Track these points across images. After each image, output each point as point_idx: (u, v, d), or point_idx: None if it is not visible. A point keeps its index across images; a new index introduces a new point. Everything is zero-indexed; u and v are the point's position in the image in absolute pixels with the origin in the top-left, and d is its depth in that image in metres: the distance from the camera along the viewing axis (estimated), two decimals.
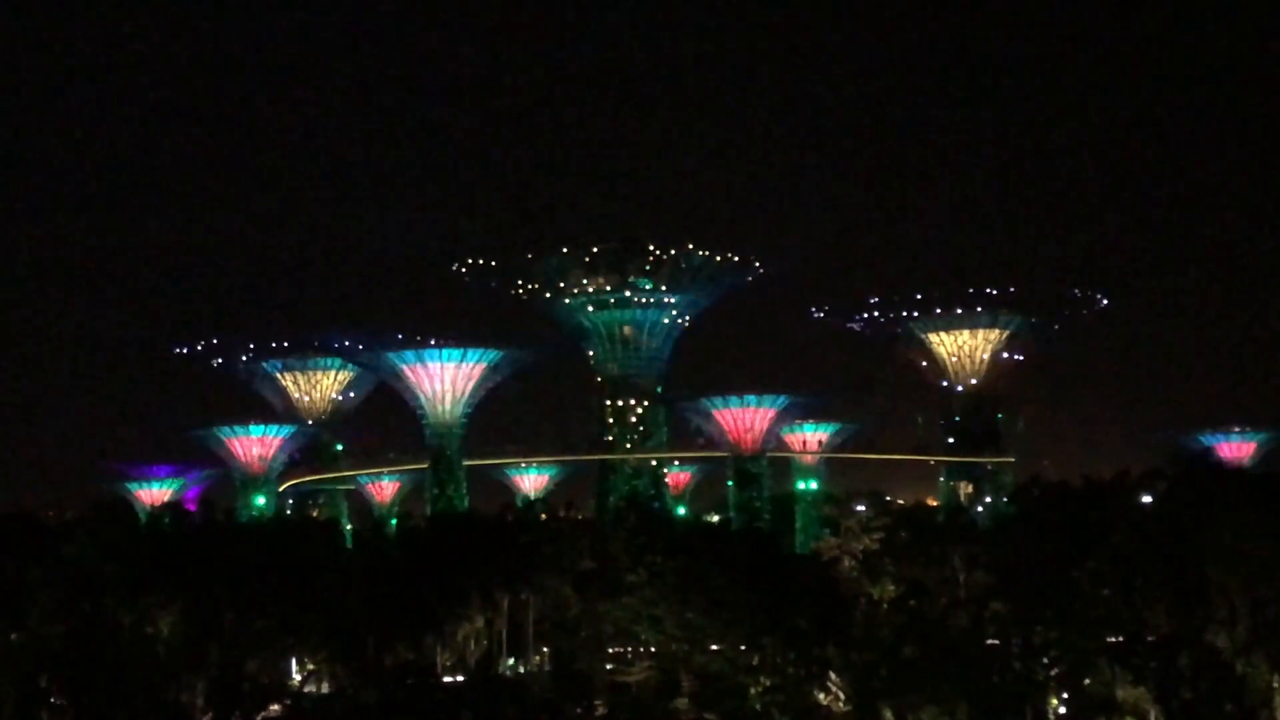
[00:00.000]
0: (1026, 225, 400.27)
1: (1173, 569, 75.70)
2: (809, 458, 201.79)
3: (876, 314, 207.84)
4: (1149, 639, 76.56)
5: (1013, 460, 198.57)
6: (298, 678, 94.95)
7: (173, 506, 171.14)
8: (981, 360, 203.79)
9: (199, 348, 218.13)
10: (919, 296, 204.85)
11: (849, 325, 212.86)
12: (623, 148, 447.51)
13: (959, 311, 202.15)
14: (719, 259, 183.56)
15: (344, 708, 76.75)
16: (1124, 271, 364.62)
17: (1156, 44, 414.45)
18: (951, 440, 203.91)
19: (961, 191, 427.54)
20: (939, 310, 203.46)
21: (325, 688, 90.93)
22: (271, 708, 77.67)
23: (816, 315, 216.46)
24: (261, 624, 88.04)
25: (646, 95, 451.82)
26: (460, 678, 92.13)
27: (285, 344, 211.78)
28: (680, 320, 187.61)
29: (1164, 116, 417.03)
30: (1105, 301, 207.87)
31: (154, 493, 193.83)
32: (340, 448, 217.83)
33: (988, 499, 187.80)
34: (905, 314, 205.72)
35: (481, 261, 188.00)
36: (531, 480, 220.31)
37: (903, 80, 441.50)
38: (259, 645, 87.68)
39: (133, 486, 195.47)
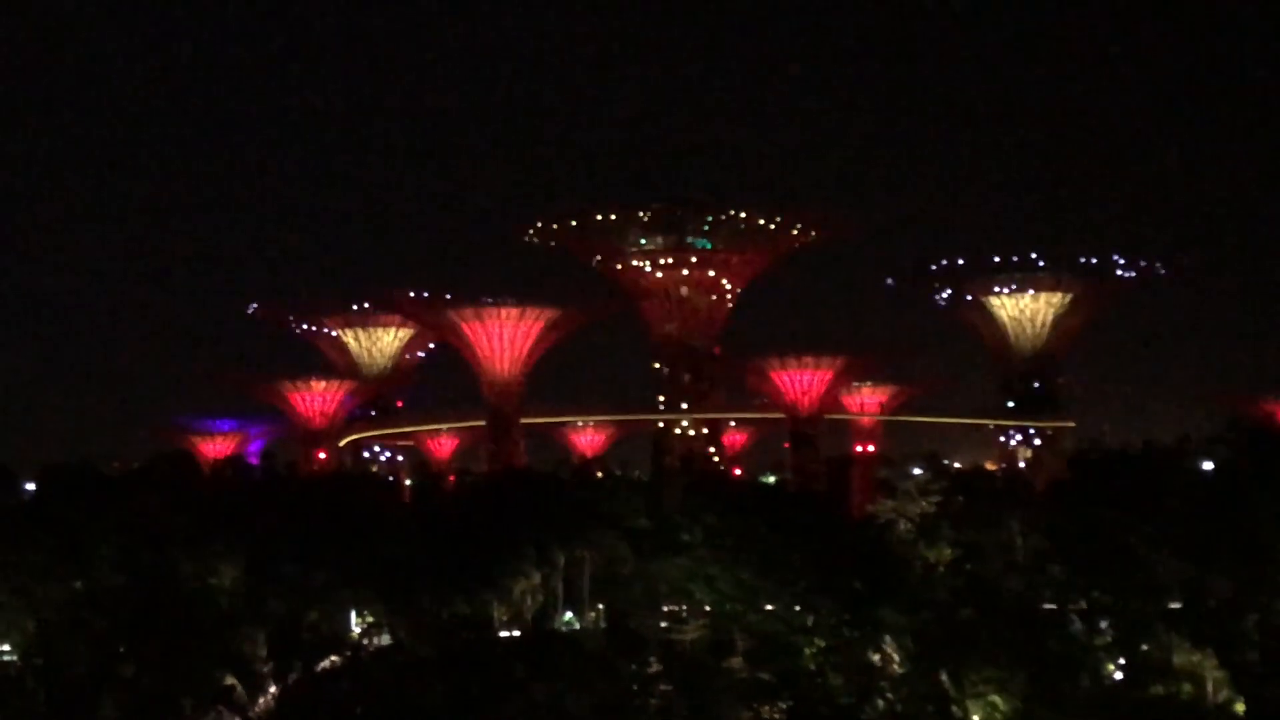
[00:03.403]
0: (1090, 188, 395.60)
1: (1232, 535, 74.98)
2: (866, 420, 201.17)
3: (938, 277, 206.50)
4: (1209, 604, 75.97)
5: (1072, 425, 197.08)
6: (356, 630, 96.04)
7: (235, 460, 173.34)
8: (1042, 324, 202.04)
9: (264, 304, 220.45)
10: (981, 260, 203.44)
11: (910, 288, 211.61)
12: (682, 109, 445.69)
13: (1020, 275, 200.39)
14: (777, 220, 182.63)
15: (402, 660, 77.57)
16: (1187, 235, 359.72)
17: (1219, 9, 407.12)
18: (1011, 404, 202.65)
19: (1024, 155, 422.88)
20: (1000, 274, 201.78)
21: (383, 640, 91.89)
22: (331, 658, 78.59)
23: (877, 277, 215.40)
24: (321, 576, 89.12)
25: (710, 56, 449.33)
26: (516, 632, 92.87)
27: (347, 301, 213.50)
28: (738, 281, 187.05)
29: (1230, 79, 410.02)
30: (1164, 269, 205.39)
31: (217, 446, 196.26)
32: (400, 404, 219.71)
33: (1047, 463, 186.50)
34: (966, 277, 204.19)
35: (541, 221, 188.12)
36: (588, 439, 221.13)
37: (967, 41, 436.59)
38: (318, 597, 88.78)
39: (196, 440, 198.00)
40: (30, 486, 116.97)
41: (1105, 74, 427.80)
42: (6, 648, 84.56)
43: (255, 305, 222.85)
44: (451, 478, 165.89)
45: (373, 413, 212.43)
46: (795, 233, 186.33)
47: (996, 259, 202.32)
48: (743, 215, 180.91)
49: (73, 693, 70.84)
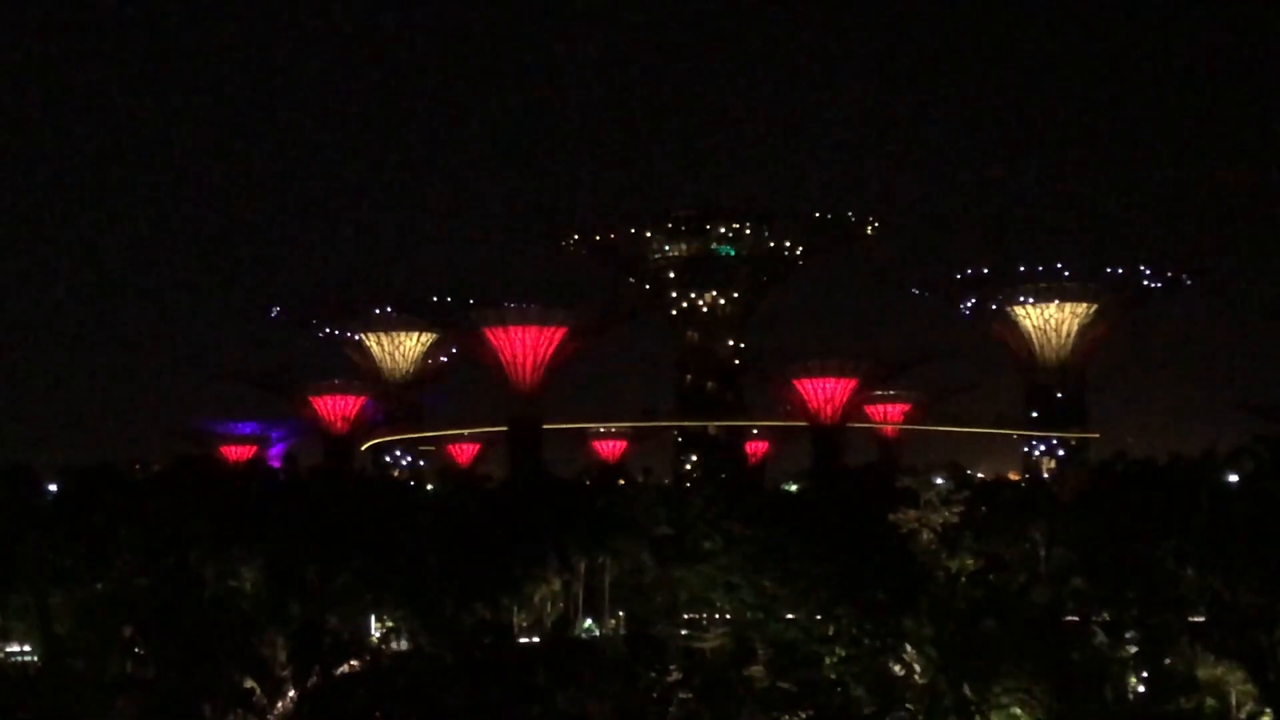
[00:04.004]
0: (1116, 198, 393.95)
1: (1259, 548, 74.38)
2: (890, 429, 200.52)
3: (963, 285, 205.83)
4: (1234, 618, 75.34)
5: (1097, 435, 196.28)
6: (377, 634, 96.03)
7: (256, 463, 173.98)
8: (1068, 334, 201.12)
9: (285, 308, 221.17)
10: (1006, 269, 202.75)
11: (935, 296, 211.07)
12: (708, 115, 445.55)
13: (1046, 285, 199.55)
14: (801, 227, 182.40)
15: (422, 665, 77.39)
16: (1215, 245, 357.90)
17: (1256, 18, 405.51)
18: (1035, 414, 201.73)
19: (1050, 163, 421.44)
20: (1026, 283, 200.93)
21: (404, 644, 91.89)
22: (350, 663, 78.50)
23: (902, 285, 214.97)
24: (342, 580, 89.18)
25: (736, 63, 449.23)
26: (536, 639, 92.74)
27: (370, 305, 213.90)
28: (761, 288, 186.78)
29: (1259, 88, 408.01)
30: (1191, 279, 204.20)
31: (238, 449, 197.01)
32: (422, 409, 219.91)
33: (1070, 474, 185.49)
34: (992, 286, 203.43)
35: (565, 228, 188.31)
36: (610, 445, 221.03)
37: (995, 48, 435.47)
38: (339, 601, 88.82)
39: (218, 443, 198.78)
40: (53, 488, 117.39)
41: (1135, 81, 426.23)
42: (27, 648, 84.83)
43: (278, 309, 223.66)
44: (475, 478, 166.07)
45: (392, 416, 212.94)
46: (819, 240, 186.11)
47: (1022, 268, 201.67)
48: (767, 222, 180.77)
49: (92, 694, 70.89)
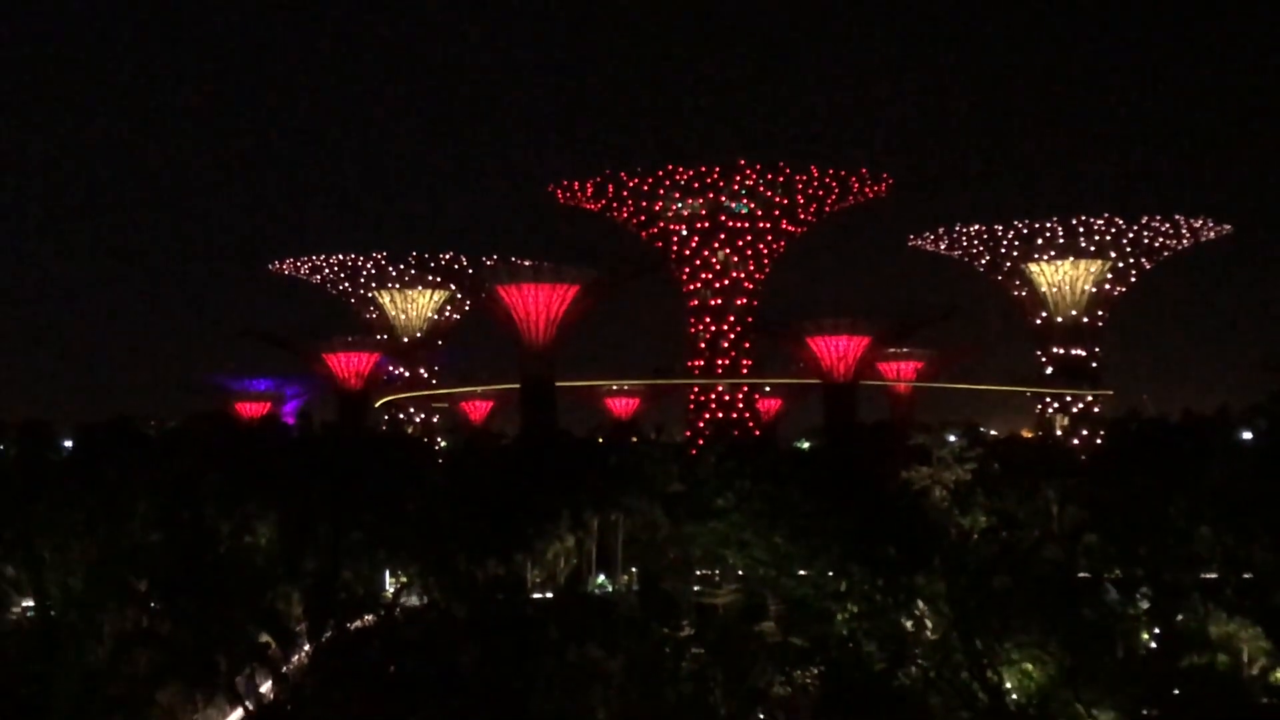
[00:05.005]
0: (1132, 153, 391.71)
1: (1273, 505, 74.32)
2: (903, 386, 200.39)
3: (976, 242, 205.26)
4: (1247, 575, 75.41)
5: (1111, 393, 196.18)
6: (391, 589, 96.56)
7: (271, 419, 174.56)
8: (1083, 292, 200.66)
9: (298, 264, 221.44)
10: (1020, 225, 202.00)
11: (948, 253, 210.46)
12: (722, 71, 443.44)
13: (1061, 241, 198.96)
14: (815, 182, 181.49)
15: (435, 619, 77.78)
16: (1229, 204, 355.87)
17: None
18: (1049, 372, 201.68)
19: (1066, 118, 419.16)
20: (1040, 240, 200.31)
21: (417, 599, 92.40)
22: (364, 617, 78.95)
23: (914, 242, 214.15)
24: (356, 536, 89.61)
25: (748, 18, 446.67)
26: (549, 594, 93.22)
27: (383, 262, 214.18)
28: (775, 245, 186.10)
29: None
30: (1210, 233, 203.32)
31: (253, 405, 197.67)
32: (435, 367, 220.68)
33: (1084, 432, 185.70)
34: (1006, 243, 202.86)
35: (575, 184, 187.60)
36: (623, 403, 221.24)
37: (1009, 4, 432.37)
38: (353, 557, 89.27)
39: (233, 399, 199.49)
40: (68, 444, 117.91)
41: (1145, 36, 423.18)
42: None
43: (290, 264, 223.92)
44: (488, 435, 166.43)
45: (406, 374, 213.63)
46: (834, 195, 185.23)
47: (1036, 225, 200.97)
48: (780, 178, 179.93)
49: (108, 649, 71.41)
